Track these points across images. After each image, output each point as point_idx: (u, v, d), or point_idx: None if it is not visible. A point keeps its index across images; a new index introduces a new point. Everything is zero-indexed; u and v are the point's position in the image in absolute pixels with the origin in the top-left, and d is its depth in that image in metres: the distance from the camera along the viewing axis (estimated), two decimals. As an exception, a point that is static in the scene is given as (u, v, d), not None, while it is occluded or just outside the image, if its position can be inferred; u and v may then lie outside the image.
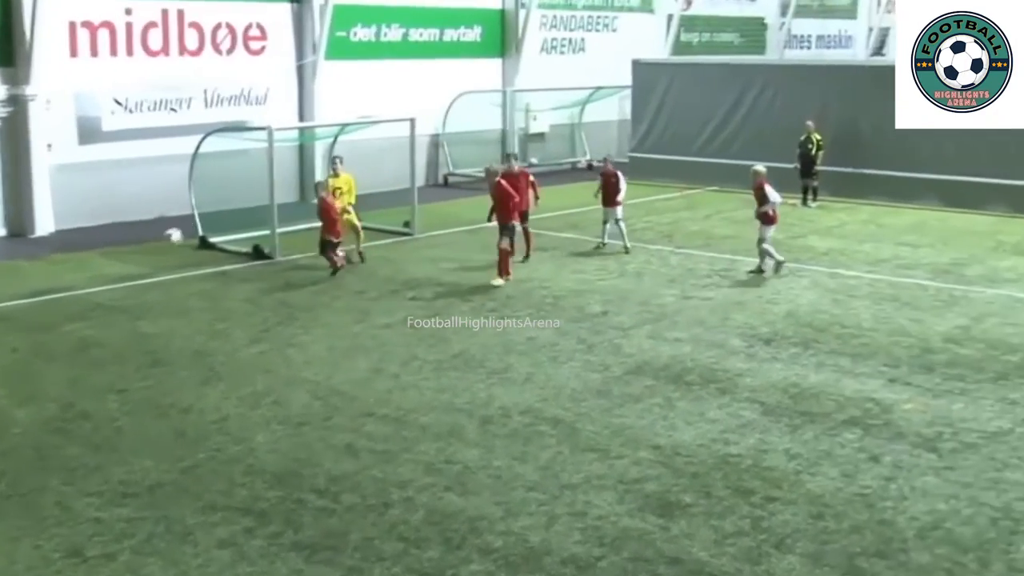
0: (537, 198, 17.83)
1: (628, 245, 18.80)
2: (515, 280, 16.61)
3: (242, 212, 19.56)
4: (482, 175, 28.00)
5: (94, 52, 21.07)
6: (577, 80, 30.05)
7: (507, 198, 16.50)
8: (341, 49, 25.10)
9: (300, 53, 24.51)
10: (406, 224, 20.66)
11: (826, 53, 34.81)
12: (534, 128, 30.54)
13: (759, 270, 16.86)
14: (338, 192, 17.68)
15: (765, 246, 16.94)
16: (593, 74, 30.32)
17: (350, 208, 17.90)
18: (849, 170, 24.37)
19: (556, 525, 8.33)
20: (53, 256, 18.31)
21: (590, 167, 31.60)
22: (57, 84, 20.47)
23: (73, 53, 20.81)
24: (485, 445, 9.92)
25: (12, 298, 15.30)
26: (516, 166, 17.93)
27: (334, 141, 22.30)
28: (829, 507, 8.65)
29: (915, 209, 23.29)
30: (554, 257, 18.55)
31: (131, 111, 21.42)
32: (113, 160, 21.39)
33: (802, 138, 23.60)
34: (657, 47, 31.93)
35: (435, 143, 28.07)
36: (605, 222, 19.06)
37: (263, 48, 23.80)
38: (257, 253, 18.41)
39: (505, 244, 16.20)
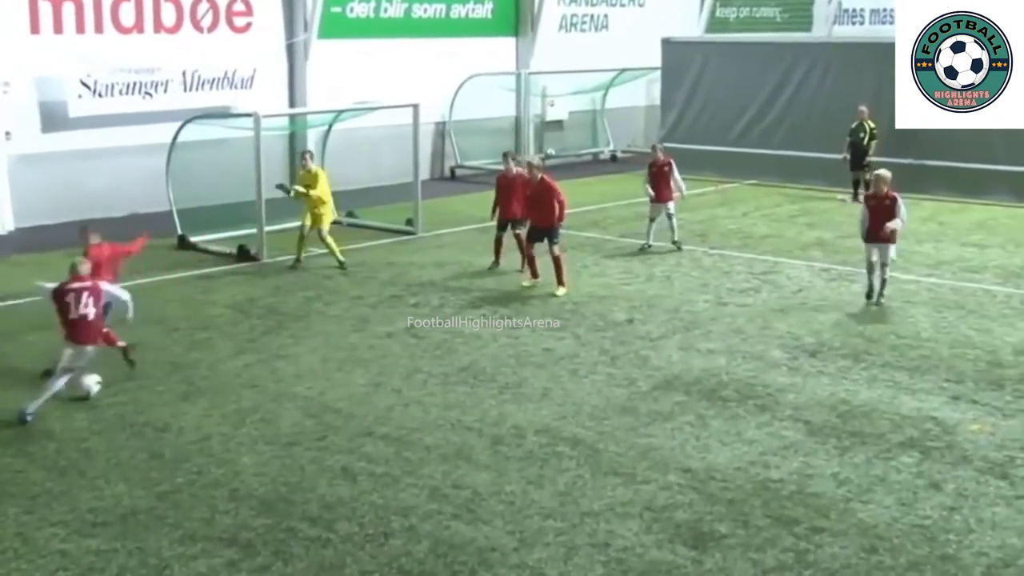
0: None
1: (679, 240, 18.84)
2: (530, 286, 16.64)
3: (226, 208, 19.66)
4: (494, 167, 28.25)
5: (58, 29, 21.19)
6: (600, 61, 30.11)
7: (550, 195, 16.21)
8: (336, 26, 25.21)
9: (290, 31, 24.62)
10: (409, 222, 20.75)
11: (881, 29, 34.73)
12: (551, 115, 30.60)
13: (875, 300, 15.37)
14: (309, 189, 17.61)
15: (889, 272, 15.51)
16: (618, 55, 30.37)
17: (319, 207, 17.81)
18: (907, 161, 24.27)
19: (576, 557, 8.36)
20: (13, 257, 18.44)
21: (614, 159, 31.69)
22: (16, 65, 20.60)
23: (34, 30, 20.92)
24: (497, 468, 9.95)
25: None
26: (514, 168, 17.69)
27: (328, 129, 22.42)
28: (883, 540, 8.65)
29: (983, 205, 23.26)
30: (574, 259, 18.55)
31: (100, 95, 21.53)
32: (80, 150, 21.51)
33: (853, 125, 23.58)
34: (690, 24, 31.94)
35: (441, 132, 28.16)
36: (652, 219, 19.02)
37: (249, 25, 23.92)
38: (242, 254, 18.49)
39: (557, 250, 16.03)
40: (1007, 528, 8.84)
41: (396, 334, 14.13)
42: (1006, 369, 12.72)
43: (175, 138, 19.86)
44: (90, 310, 11.32)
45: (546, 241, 16.22)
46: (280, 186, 18.09)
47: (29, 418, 10.99)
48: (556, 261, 16.05)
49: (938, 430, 10.87)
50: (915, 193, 23.12)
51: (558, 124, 30.96)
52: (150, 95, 22.23)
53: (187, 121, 19.92)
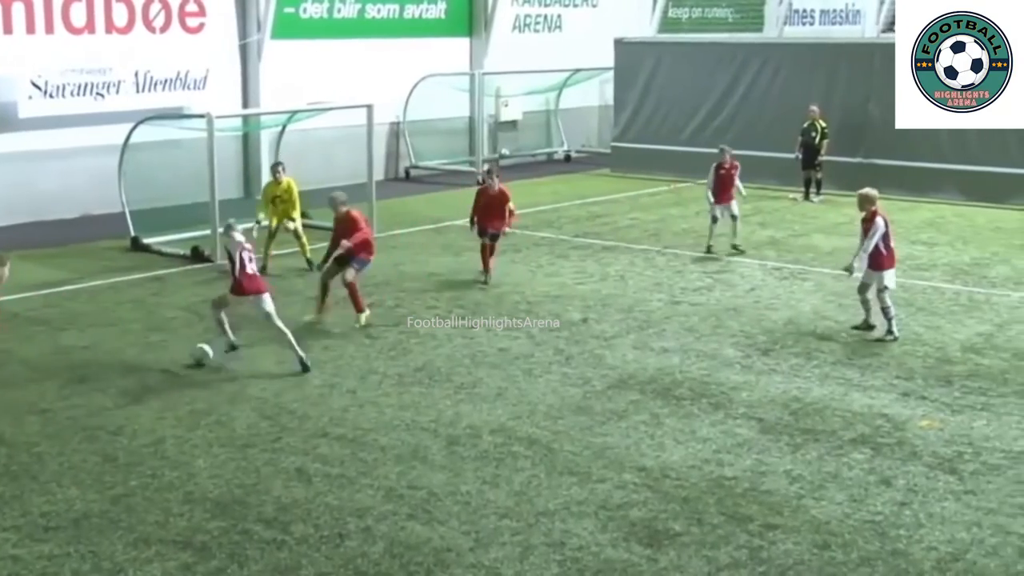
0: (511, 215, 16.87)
1: (739, 244, 18.75)
2: (485, 285, 16.64)
3: (179, 210, 19.51)
4: (448, 168, 28.28)
5: (7, 29, 20.89)
6: (553, 62, 30.18)
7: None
8: (289, 27, 25.08)
9: (243, 31, 24.45)
10: (363, 223, 20.62)
11: (832, 30, 35.07)
12: (505, 115, 30.62)
13: (867, 326, 14.09)
14: (278, 201, 17.57)
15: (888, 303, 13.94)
16: (571, 55, 30.45)
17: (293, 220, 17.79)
18: (857, 160, 24.62)
19: (531, 556, 8.37)
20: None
21: (568, 159, 31.76)
22: (-35, 66, 20.33)
23: (-17, 30, 20.69)
24: (452, 468, 9.94)
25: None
26: (497, 184, 17.14)
27: (282, 130, 22.31)
28: (836, 536, 8.73)
29: (932, 203, 23.56)
30: (528, 259, 18.60)
31: (51, 96, 21.32)
32: (31, 151, 21.24)
33: (805, 125, 23.81)
34: (642, 24, 32.08)
35: (395, 132, 28.10)
36: (715, 220, 18.87)
37: (202, 25, 23.73)
38: (196, 256, 18.35)
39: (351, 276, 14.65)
40: (956, 523, 8.95)
41: (351, 335, 14.07)
42: (954, 365, 12.89)
43: (127, 139, 19.65)
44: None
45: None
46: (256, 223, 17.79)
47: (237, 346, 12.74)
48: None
49: (889, 427, 10.99)
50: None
51: (512, 124, 30.99)
52: (102, 96, 22.04)
53: (140, 122, 19.72)
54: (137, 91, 22.46)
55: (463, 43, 29.55)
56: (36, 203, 21.33)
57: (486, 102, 29.07)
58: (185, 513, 9.03)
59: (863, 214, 13.88)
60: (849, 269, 14.12)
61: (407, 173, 28.29)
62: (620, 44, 28.84)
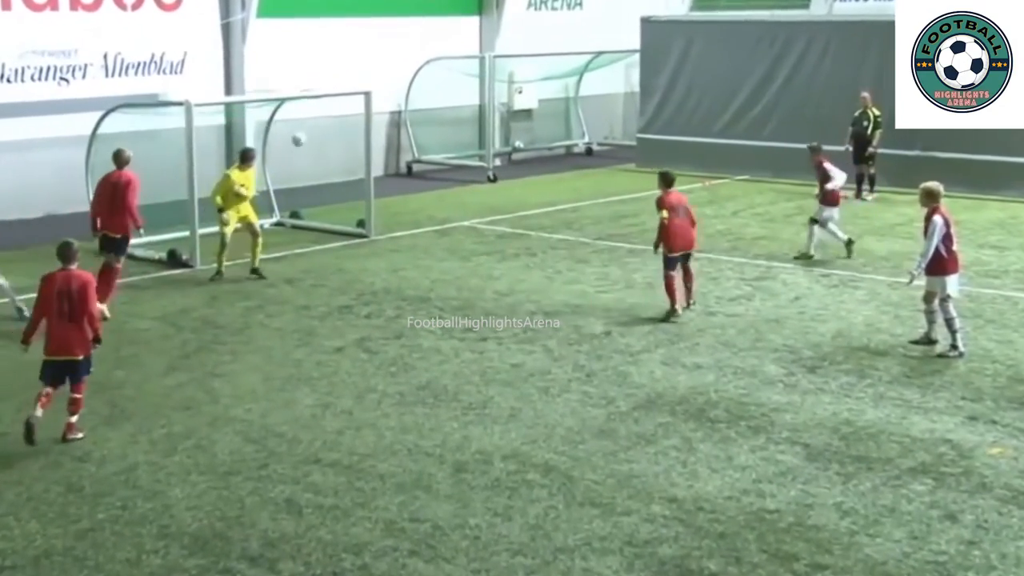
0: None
1: (813, 252, 18.59)
2: (497, 293, 16.66)
3: (154, 208, 19.45)
4: (455, 162, 28.31)
5: (-38, 6, 21.06)
6: (573, 44, 30.20)
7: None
8: (278, 4, 25.15)
9: (226, 9, 24.54)
10: (360, 224, 20.71)
11: (887, 7, 35.01)
12: (519, 103, 30.67)
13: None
14: (236, 196, 17.50)
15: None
16: (593, 36, 30.48)
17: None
18: (914, 154, 24.51)
19: (549, 599, 8.35)
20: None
21: (590, 152, 31.79)
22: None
23: (-67, 7, 20.80)
24: (459, 499, 9.92)
25: None
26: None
27: (270, 119, 22.31)
28: (892, 576, 8.70)
29: (1001, 201, 23.48)
30: (545, 264, 18.60)
31: (8, 81, 21.43)
32: (-12, 143, 21.35)
33: (856, 114, 23.77)
34: (673, 1, 32.11)
35: (396, 122, 28.18)
36: (814, 222, 18.84)
37: (179, 2, 23.81)
38: (173, 260, 18.39)
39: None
40: (1030, 562, 8.90)
41: (346, 349, 14.08)
42: (1027, 385, 12.84)
43: (96, 129, 19.72)
44: None
45: None
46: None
47: None
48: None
49: (953, 454, 10.93)
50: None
51: (527, 113, 31.03)
52: (66, 81, 22.14)
53: (110, 110, 19.80)
54: (107, 75, 22.55)
55: (472, 22, 29.61)
56: (-7, 201, 21.40)
57: (498, 88, 29.11)
58: (160, 549, 9.01)
59: (924, 212, 13.81)
60: (911, 275, 14.02)
61: (409, 168, 28.35)
62: (647, 23, 28.84)
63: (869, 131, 23.54)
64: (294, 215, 21.86)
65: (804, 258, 18.46)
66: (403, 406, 12.15)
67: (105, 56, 22.52)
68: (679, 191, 16.29)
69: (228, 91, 24.48)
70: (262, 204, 20.72)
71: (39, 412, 11.02)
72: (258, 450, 10.98)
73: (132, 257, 18.76)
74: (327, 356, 13.82)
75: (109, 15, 22.72)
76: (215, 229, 18.60)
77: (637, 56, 29.54)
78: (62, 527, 9.40)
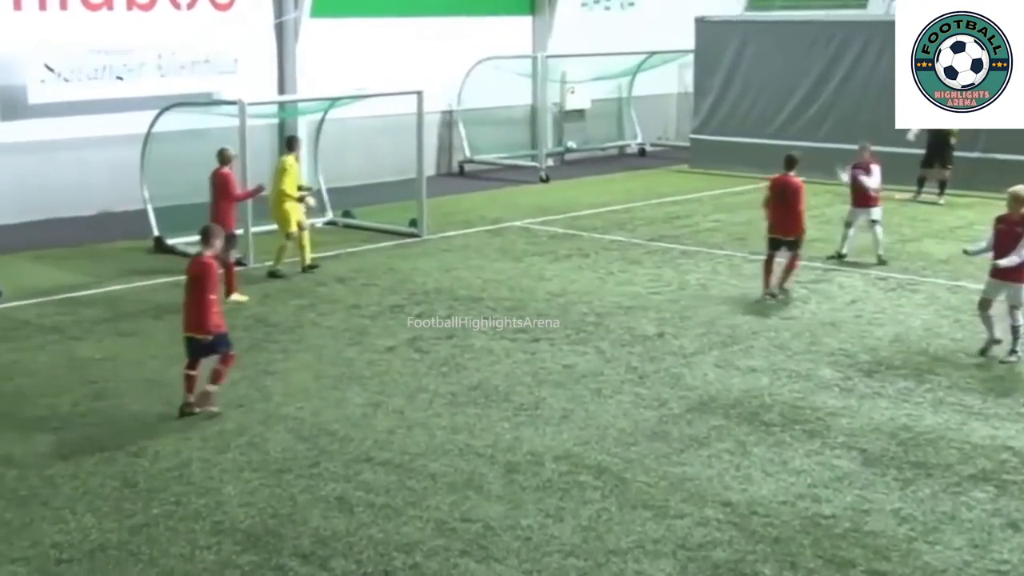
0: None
1: (883, 255, 18.46)
2: (549, 294, 16.67)
3: (208, 207, 19.67)
4: (507, 162, 28.35)
5: (17, 5, 21.32)
6: (626, 44, 30.14)
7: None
8: (331, 3, 25.30)
9: (279, 8, 24.72)
10: (412, 223, 20.79)
11: (949, 5, 34.89)
12: (571, 104, 30.66)
13: (993, 341, 13.95)
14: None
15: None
16: (646, 36, 30.41)
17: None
18: (975, 155, 24.24)
19: (602, 601, 8.35)
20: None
21: (643, 152, 31.73)
22: (-28, 45, 20.71)
23: (-9, 5, 21.07)
24: (511, 499, 9.94)
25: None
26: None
27: (322, 119, 22.44)
28: (950, 583, 8.63)
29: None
30: (597, 265, 18.58)
31: (66, 80, 21.62)
32: (43, 141, 21.62)
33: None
34: (728, 1, 31.97)
35: (448, 122, 28.25)
36: (849, 225, 18.74)
37: (232, 2, 24.01)
38: (225, 258, 18.52)
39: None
40: (1092, 572, 8.79)
41: (398, 348, 14.14)
42: (1089, 391, 12.68)
43: (151, 128, 19.93)
44: None
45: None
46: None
47: None
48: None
49: (1016, 461, 10.81)
50: (985, 190, 22.41)
51: (579, 114, 31.01)
52: (122, 80, 22.31)
53: (164, 109, 19.99)
54: (161, 75, 22.72)
55: (525, 22, 29.63)
56: (49, 199, 21.67)
57: (550, 88, 29.12)
58: (213, 546, 9.09)
59: (1004, 215, 13.60)
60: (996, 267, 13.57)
61: (461, 168, 28.41)
62: (702, 23, 28.75)
63: (948, 134, 23.13)
64: (346, 214, 21.98)
65: (837, 257, 18.66)
66: (454, 406, 12.18)
67: (159, 55, 22.68)
68: (794, 177, 16.66)
69: (281, 90, 24.65)
70: (316, 203, 20.83)
71: (191, 397, 11.83)
72: (310, 448, 11.05)
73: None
74: (378, 355, 13.88)
75: (164, 15, 22.96)
76: (268, 228, 18.76)
77: (691, 56, 29.45)
78: (117, 521, 9.51)
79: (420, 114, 20.99)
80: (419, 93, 20.86)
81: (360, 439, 11.26)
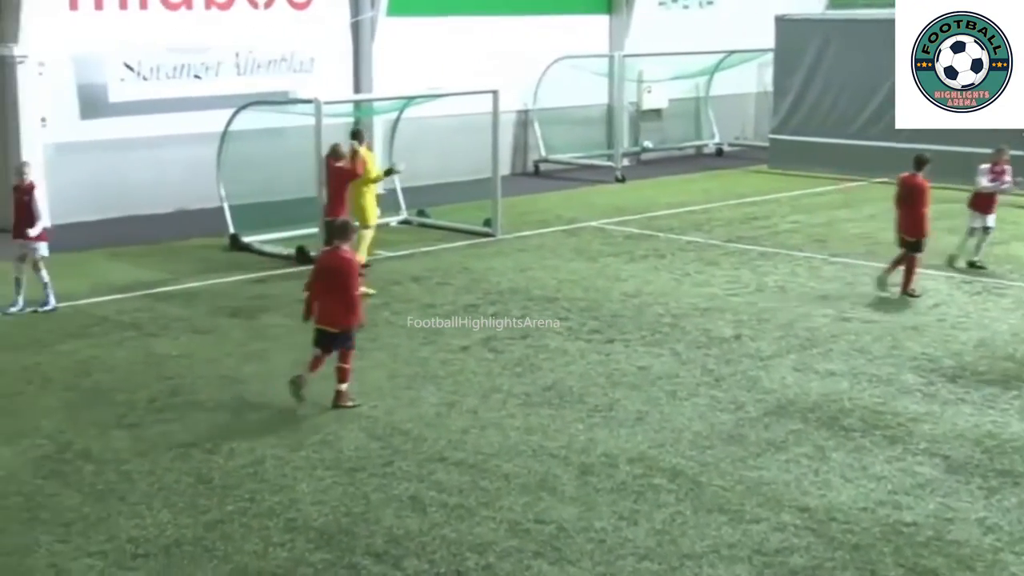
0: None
1: (979, 260, 18.23)
2: (624, 295, 16.62)
3: (283, 205, 19.88)
4: (583, 162, 28.32)
5: (98, 4, 21.66)
6: (704, 42, 29.97)
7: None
8: (407, 2, 25.43)
9: (356, 8, 24.88)
10: (487, 223, 20.82)
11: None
12: (648, 103, 30.55)
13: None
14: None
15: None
16: (725, 34, 30.23)
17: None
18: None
19: (676, 606, 8.31)
20: (48, 257, 18.77)
21: (720, 152, 31.54)
22: (53, 43, 21.06)
23: (73, 5, 21.44)
24: (585, 501, 9.92)
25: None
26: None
27: (397, 117, 22.55)
28: (1037, 594, 8.48)
29: None
30: (674, 266, 18.50)
31: (145, 78, 21.93)
32: (122, 139, 21.95)
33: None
34: (809, -1, 31.74)
35: (523, 121, 28.27)
36: (973, 231, 18.45)
37: (309, 1, 24.21)
38: (302, 256, 18.65)
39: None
40: None
41: (472, 348, 14.17)
42: None
43: (228, 126, 20.13)
44: None
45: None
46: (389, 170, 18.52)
47: None
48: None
49: (1103, 469, 10.61)
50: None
51: (656, 113, 30.90)
52: (199, 78, 22.58)
53: (241, 107, 20.18)
54: (238, 73, 22.98)
55: (602, 21, 29.58)
56: (127, 196, 21.99)
57: (627, 88, 29.05)
58: (286, 543, 9.17)
59: None
60: None
61: (536, 167, 28.42)
62: (782, 22, 28.51)
63: None
64: (421, 213, 22.07)
65: (972, 267, 18.24)
66: (528, 406, 12.18)
67: (237, 54, 22.94)
68: (922, 178, 16.67)
69: (356, 89, 24.80)
70: (389, 202, 20.99)
71: (309, 374, 12.10)
72: (383, 447, 11.10)
73: (260, 253, 19.22)
74: (452, 355, 13.91)
75: (242, 13, 23.20)
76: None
77: (770, 55, 29.23)
78: (192, 517, 9.62)
79: (495, 113, 21.02)
80: (495, 92, 20.89)
81: (434, 439, 11.29)
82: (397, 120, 22.55)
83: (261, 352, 14.09)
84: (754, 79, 32.16)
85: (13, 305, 15.58)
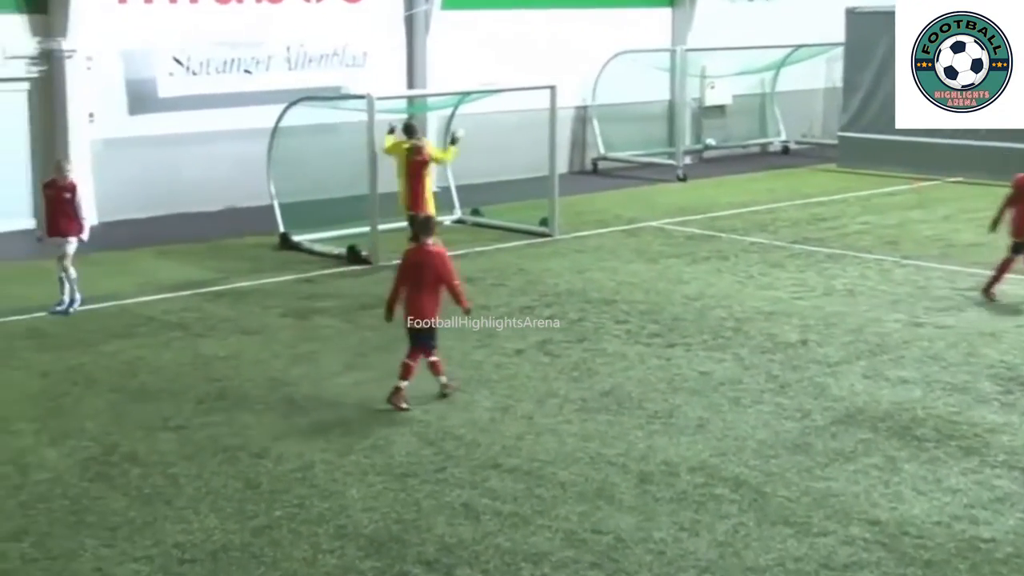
0: None
1: None
2: (686, 298, 16.55)
3: (334, 203, 20.00)
4: (643, 160, 28.23)
5: (149, -2, 21.88)
6: (770, 36, 29.79)
7: None
8: (462, -5, 25.49)
9: (409, 1, 24.94)
10: (543, 222, 20.81)
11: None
12: (712, 99, 30.46)
13: None
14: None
15: None
16: (792, 28, 30.02)
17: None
18: None
19: (739, 621, 8.25)
20: (93, 255, 18.90)
21: (786, 150, 31.36)
22: (101, 38, 21.33)
23: (122, -2, 21.64)
24: (644, 511, 9.87)
25: (43, 308, 15.94)
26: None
27: (452, 113, 22.59)
28: (1120, 614, 8.33)
29: None
30: (737, 268, 18.40)
31: (194, 72, 22.15)
32: (171, 135, 22.17)
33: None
34: (880, -9, 31.45)
35: (582, 118, 28.25)
36: None
37: (363, -7, 24.33)
38: (353, 256, 18.75)
39: None
40: None
41: (527, 351, 14.16)
42: None
43: (278, 122, 20.27)
44: None
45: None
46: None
47: None
48: None
49: None
50: None
51: (720, 110, 30.79)
52: (250, 73, 22.77)
53: (292, 103, 20.30)
54: (290, 68, 23.14)
55: (664, 14, 29.51)
56: (175, 193, 22.20)
57: (689, 83, 28.95)
58: (336, 550, 9.19)
59: None
60: None
61: (595, 165, 28.40)
62: (853, 15, 28.29)
63: None
64: (475, 212, 22.10)
65: None
66: (585, 412, 12.15)
67: (288, 48, 23.11)
68: None
69: (410, 84, 24.89)
70: (443, 200, 21.03)
71: (403, 383, 12.31)
72: (435, 452, 11.11)
73: (310, 252, 19.32)
74: (507, 358, 13.91)
75: (293, 7, 23.36)
76: (397, 225, 18.93)
77: (839, 50, 29.02)
78: (240, 523, 9.67)
79: (553, 109, 21.01)
80: (552, 88, 20.88)
81: (487, 444, 11.29)
82: (452, 116, 22.59)
83: (311, 354, 14.16)
84: (822, 74, 31.95)
85: (59, 304, 15.76)
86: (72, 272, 15.81)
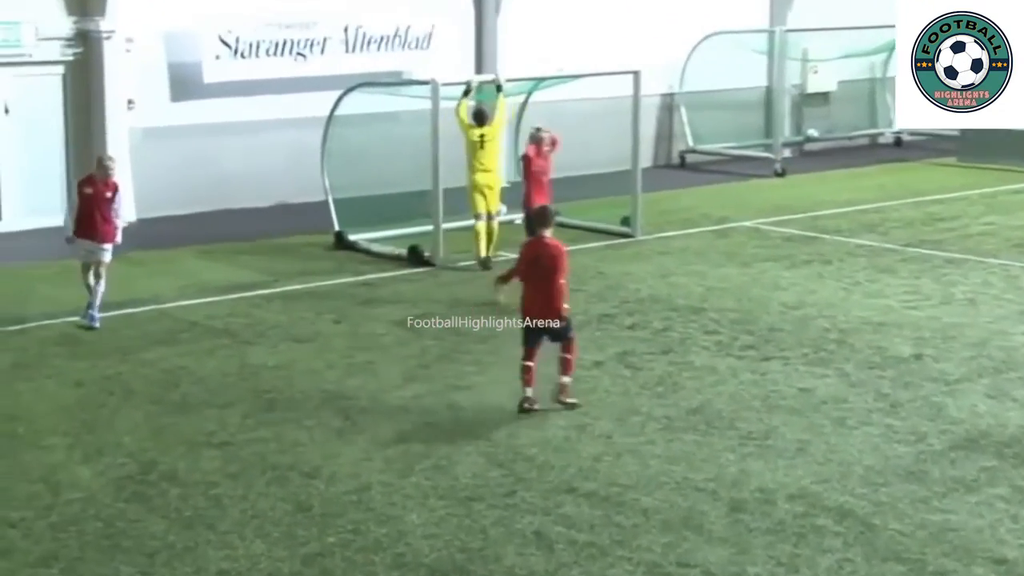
0: None
1: None
2: (783, 306, 16.44)
3: (394, 199, 20.10)
4: (737, 153, 28.08)
5: (194, -25, 22.11)
6: (880, 15, 29.44)
7: None
8: (537, -30, 25.53)
9: (479, -22, 25.05)
10: (625, 221, 20.81)
11: None
12: (814, 85, 30.30)
13: None
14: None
15: None
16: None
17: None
18: None
19: (843, 667, 8.16)
20: (132, 255, 19.14)
21: (898, 142, 31.09)
22: (142, 19, 21.60)
23: (165, -25, 21.90)
24: (736, 543, 9.81)
25: (75, 312, 16.10)
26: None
27: (525, 101, 22.59)
28: None
29: None
30: (842, 273, 18.27)
31: (243, 56, 22.33)
32: (217, 124, 22.38)
33: None
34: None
35: (668, 106, 28.21)
36: None
37: (427, -31, 24.43)
38: (415, 257, 18.82)
39: None
40: None
41: (606, 364, 14.14)
42: None
43: (334, 110, 20.39)
44: None
45: None
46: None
47: None
48: None
49: None
50: None
51: (823, 97, 30.64)
52: (303, 56, 22.90)
53: (349, 89, 20.40)
54: (347, 51, 23.28)
55: (761, -9, 29.39)
56: (221, 188, 22.39)
57: (789, 68, 28.82)
58: (394, 580, 9.22)
59: None
60: None
61: (682, 159, 28.35)
62: (974, -10, 28.02)
63: None
64: (556, 213, 22.06)
65: None
66: (671, 432, 12.10)
67: (345, 30, 23.23)
68: None
69: (478, 69, 24.90)
70: (515, 197, 21.02)
71: (529, 391, 12.59)
72: (504, 475, 11.10)
73: (368, 253, 19.41)
74: (584, 371, 13.86)
75: (351, -16, 23.48)
76: (462, 224, 19.00)
77: (961, 29, 28.73)
78: (289, 549, 9.71)
79: (636, 97, 20.99)
80: (636, 73, 20.87)
81: (561, 466, 11.26)
82: (524, 104, 22.60)
83: (367, 364, 14.22)
84: (940, 58, 31.65)
85: (90, 309, 15.90)
86: (103, 285, 15.65)
